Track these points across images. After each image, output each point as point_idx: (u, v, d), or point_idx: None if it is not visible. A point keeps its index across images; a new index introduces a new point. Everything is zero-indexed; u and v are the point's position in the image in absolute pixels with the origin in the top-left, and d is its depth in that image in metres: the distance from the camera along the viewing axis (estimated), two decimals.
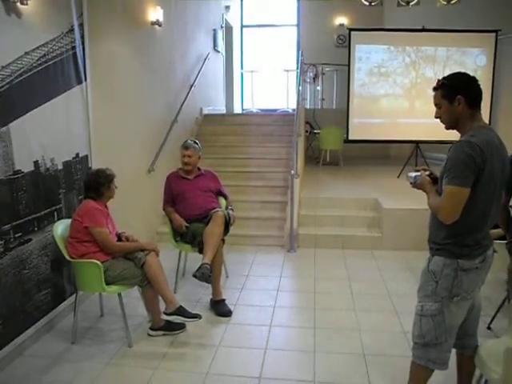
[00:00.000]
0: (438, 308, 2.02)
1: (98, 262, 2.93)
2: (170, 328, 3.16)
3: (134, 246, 3.15)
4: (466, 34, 7.13)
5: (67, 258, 3.01)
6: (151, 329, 3.18)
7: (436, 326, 2.03)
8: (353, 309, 3.61)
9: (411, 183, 2.19)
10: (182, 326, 3.18)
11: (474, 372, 2.26)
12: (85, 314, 3.41)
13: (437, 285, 2.01)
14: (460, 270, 1.96)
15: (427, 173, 2.16)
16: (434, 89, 2.08)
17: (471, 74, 2.04)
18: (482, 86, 2.02)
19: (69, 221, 3.16)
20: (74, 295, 3.15)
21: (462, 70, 2.06)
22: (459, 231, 1.96)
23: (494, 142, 1.95)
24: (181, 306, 3.09)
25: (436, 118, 2.11)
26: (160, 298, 3.14)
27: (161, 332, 3.15)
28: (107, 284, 2.97)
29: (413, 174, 2.18)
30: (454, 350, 2.20)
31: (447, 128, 2.09)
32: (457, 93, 1.98)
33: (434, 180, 2.11)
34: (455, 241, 1.98)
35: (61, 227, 3.12)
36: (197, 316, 3.11)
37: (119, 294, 3.03)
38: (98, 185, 3.08)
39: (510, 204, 2.67)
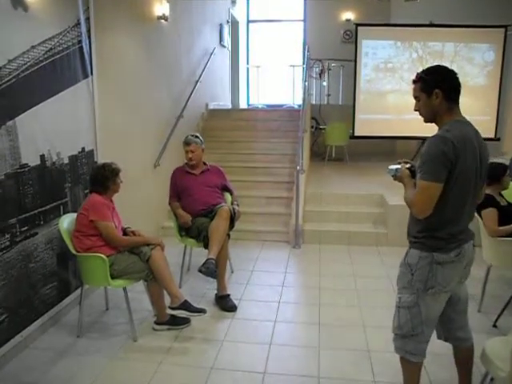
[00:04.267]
0: (414, 300, 2.05)
1: (104, 256, 2.94)
2: (175, 323, 3.17)
3: (140, 241, 3.16)
4: (474, 29, 7.08)
5: (73, 252, 3.02)
6: (156, 323, 3.19)
7: (412, 317, 2.06)
8: (357, 305, 3.60)
9: (392, 176, 2.19)
10: (186, 321, 3.18)
11: (473, 364, 2.27)
12: (90, 308, 3.43)
13: (412, 277, 2.04)
14: (435, 263, 1.99)
15: (408, 165, 2.16)
16: (414, 82, 2.09)
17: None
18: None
19: (74, 215, 3.17)
20: (80, 289, 3.16)
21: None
22: (433, 225, 1.98)
23: (469, 137, 1.95)
24: (186, 301, 3.09)
25: (415, 110, 2.11)
26: (165, 292, 3.15)
27: (165, 326, 3.16)
28: (112, 278, 2.98)
29: (394, 167, 2.18)
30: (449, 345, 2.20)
31: (426, 121, 2.09)
32: (435, 86, 1.98)
33: (415, 173, 2.08)
34: (430, 234, 2.00)
35: (67, 221, 3.13)
36: (202, 311, 3.12)
37: (124, 288, 3.04)
38: (104, 179, 3.09)
39: None
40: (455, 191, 1.94)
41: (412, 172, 2.12)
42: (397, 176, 2.16)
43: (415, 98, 2.09)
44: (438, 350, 2.93)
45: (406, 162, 2.19)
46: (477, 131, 2.04)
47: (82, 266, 3.10)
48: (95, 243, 3.01)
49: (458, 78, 2.01)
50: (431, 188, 1.90)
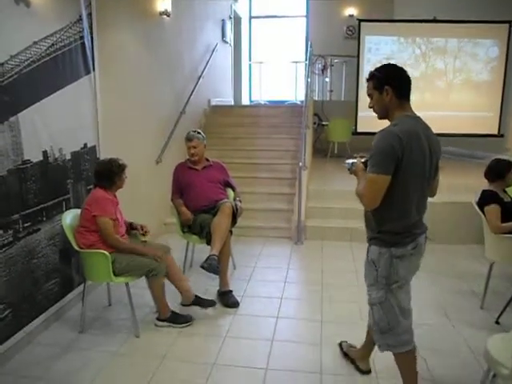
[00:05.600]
0: (383, 295, 2.14)
1: (106, 253, 2.94)
2: (176, 321, 3.17)
3: (133, 248, 3.07)
4: (478, 24, 7.02)
5: (76, 248, 3.02)
6: (158, 319, 3.20)
7: (385, 312, 2.15)
8: (360, 301, 3.59)
9: (348, 170, 2.28)
10: (187, 320, 3.19)
11: None
12: (93, 304, 3.44)
13: (377, 273, 2.12)
14: (394, 257, 2.07)
15: (363, 160, 2.24)
16: (367, 80, 2.19)
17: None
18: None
19: (77, 211, 3.18)
20: (82, 285, 3.17)
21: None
22: (385, 220, 2.08)
23: (416, 132, 2.03)
24: (196, 296, 3.19)
25: (370, 107, 2.19)
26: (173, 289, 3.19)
27: (166, 323, 3.17)
28: (115, 275, 2.98)
29: (350, 161, 2.28)
30: None
31: (380, 118, 2.19)
32: (385, 83, 2.08)
33: None
34: (385, 229, 2.09)
35: (69, 217, 3.13)
36: (212, 304, 3.24)
37: (127, 284, 3.04)
38: (111, 174, 3.08)
39: None
40: (402, 184, 2.01)
41: (367, 166, 2.16)
42: (352, 170, 2.26)
43: (369, 95, 2.18)
44: (440, 347, 2.94)
45: (362, 157, 2.27)
46: (427, 126, 2.11)
47: (84, 262, 3.11)
48: (99, 239, 3.01)
49: (408, 76, 2.11)
50: (379, 180, 1.98)
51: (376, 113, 2.18)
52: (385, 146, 1.98)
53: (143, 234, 3.31)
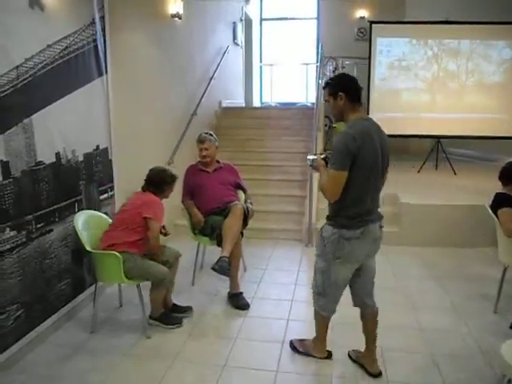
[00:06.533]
0: (326, 266, 2.51)
1: (118, 254, 2.95)
2: (166, 321, 3.19)
3: (158, 256, 3.19)
4: (491, 25, 6.94)
5: (88, 248, 3.04)
6: (150, 317, 3.22)
7: (324, 279, 2.55)
8: None
9: (310, 165, 2.56)
10: (177, 321, 3.22)
11: (377, 324, 2.68)
12: (104, 305, 3.45)
13: (325, 247, 2.48)
14: (342, 238, 2.40)
15: (322, 156, 2.53)
16: (323, 88, 2.56)
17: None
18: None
19: (89, 212, 3.23)
20: (94, 286, 3.19)
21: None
22: (341, 207, 2.39)
23: (368, 132, 2.36)
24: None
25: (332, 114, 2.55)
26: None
27: (157, 322, 3.19)
28: (126, 276, 2.99)
29: (311, 157, 2.58)
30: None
31: (337, 120, 2.56)
32: (339, 90, 2.42)
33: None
34: (340, 214, 2.42)
35: (82, 218, 3.16)
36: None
37: (138, 285, 3.06)
38: (163, 182, 3.22)
39: None
40: (357, 178, 2.32)
41: (326, 162, 2.45)
42: (313, 165, 2.54)
43: (325, 101, 2.55)
44: (453, 351, 2.91)
45: (322, 153, 2.58)
46: (378, 127, 2.45)
47: (96, 263, 3.13)
48: (135, 237, 3.07)
49: (358, 84, 2.47)
50: (338, 176, 2.31)
51: (334, 115, 2.53)
52: (342, 146, 2.29)
53: (165, 235, 3.39)
